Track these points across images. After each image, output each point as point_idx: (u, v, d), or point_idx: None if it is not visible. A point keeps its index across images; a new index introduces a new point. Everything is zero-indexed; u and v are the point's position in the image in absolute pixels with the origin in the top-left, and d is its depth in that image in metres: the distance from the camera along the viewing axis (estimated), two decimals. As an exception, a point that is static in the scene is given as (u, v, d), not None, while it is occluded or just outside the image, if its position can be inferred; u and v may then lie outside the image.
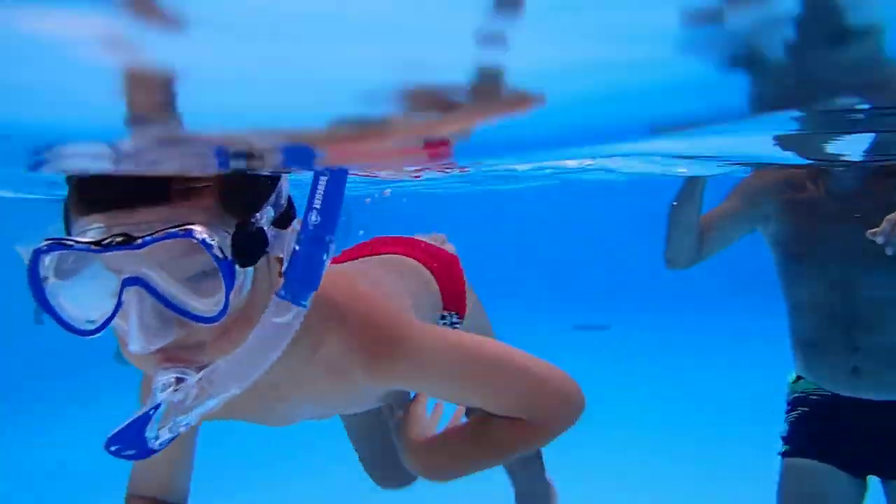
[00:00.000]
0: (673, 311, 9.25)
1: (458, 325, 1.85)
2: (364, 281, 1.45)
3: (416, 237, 2.10)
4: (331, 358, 1.28)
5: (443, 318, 1.80)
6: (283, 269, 1.14)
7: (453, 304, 1.86)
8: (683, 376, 6.57)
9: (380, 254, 1.85)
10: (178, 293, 1.04)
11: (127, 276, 1.01)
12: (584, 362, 6.32)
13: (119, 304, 1.02)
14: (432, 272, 1.84)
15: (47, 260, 1.05)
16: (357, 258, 1.84)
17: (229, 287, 1.02)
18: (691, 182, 2.55)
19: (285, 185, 1.22)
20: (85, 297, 1.08)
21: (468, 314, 1.89)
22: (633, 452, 4.82)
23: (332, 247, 1.15)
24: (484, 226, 11.28)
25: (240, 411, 1.39)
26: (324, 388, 1.33)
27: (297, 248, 1.13)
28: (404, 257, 1.85)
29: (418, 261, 1.85)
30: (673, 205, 2.57)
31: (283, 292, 1.12)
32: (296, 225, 1.16)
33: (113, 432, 1.06)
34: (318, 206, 1.15)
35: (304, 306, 1.13)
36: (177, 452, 1.54)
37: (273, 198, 1.15)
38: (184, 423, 1.08)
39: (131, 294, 1.01)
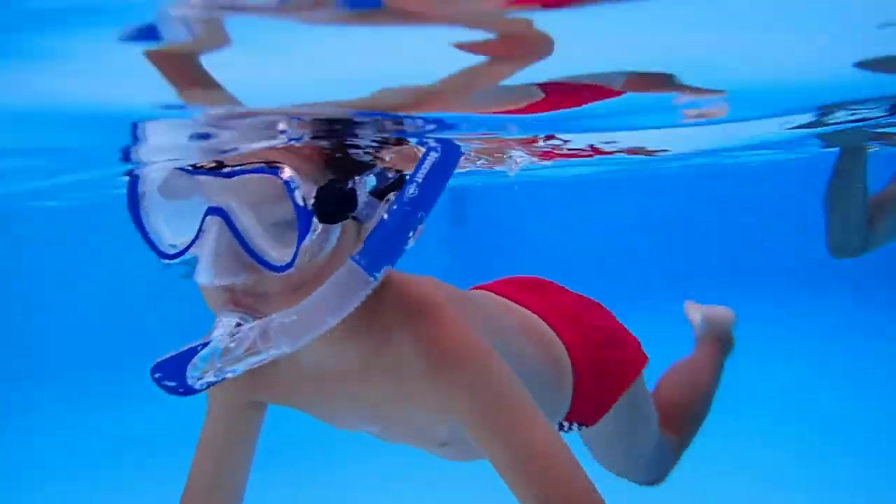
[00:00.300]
0: (811, 303, 8.32)
1: (576, 430, 1.65)
2: (469, 309, 1.36)
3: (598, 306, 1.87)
4: (398, 359, 1.23)
5: (560, 426, 1.62)
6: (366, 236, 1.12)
7: (584, 412, 1.63)
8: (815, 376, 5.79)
9: (526, 307, 1.65)
10: (254, 234, 1.06)
11: (212, 204, 1.05)
12: (744, 358, 5.90)
13: (200, 232, 1.05)
14: (575, 369, 1.61)
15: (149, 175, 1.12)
16: (496, 293, 1.67)
17: (302, 236, 1.03)
18: (849, 153, 2.23)
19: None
20: (175, 221, 1.12)
21: (609, 417, 1.65)
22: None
23: (421, 226, 1.12)
24: (630, 206, 10.85)
25: (303, 397, 1.36)
26: (385, 390, 1.27)
27: (385, 216, 1.11)
28: (548, 330, 1.62)
29: (566, 345, 1.61)
30: (831, 183, 2.26)
31: (357, 257, 1.10)
32: (392, 196, 1.14)
33: (159, 359, 1.07)
34: (418, 180, 1.13)
35: (375, 278, 1.10)
36: (230, 475, 1.45)
37: (379, 167, 1.16)
38: (229, 370, 1.07)
39: (211, 224, 1.04)
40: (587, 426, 1.65)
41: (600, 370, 1.65)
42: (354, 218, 1.11)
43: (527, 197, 10.16)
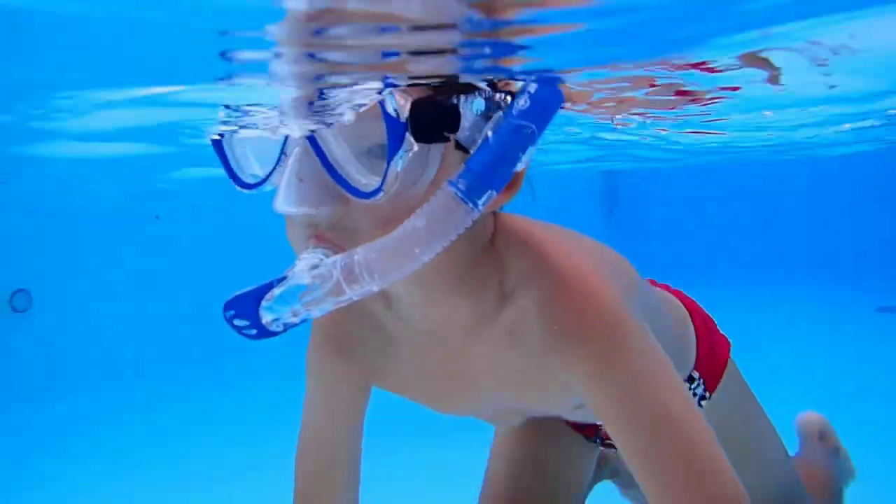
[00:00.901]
0: None
1: (703, 402, 1.46)
2: (595, 257, 1.15)
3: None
4: (519, 317, 1.07)
5: (690, 380, 1.42)
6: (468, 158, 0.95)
7: (706, 370, 1.46)
8: None
9: None
10: (341, 157, 0.95)
11: None
12: (888, 349, 5.54)
13: (281, 155, 0.97)
14: (694, 323, 1.48)
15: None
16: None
17: (392, 151, 0.90)
18: None
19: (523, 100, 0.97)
20: (259, 150, 1.04)
21: (721, 393, 1.48)
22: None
23: (533, 148, 0.94)
24: (778, 193, 10.23)
25: (410, 372, 1.22)
26: (502, 354, 1.11)
27: (489, 134, 0.94)
28: (665, 292, 1.51)
29: (686, 307, 1.51)
30: None
31: (455, 180, 0.93)
32: (500, 114, 0.96)
33: (232, 296, 0.96)
34: (530, 91, 0.95)
35: (476, 207, 0.93)
36: (341, 460, 1.34)
37: (489, 91, 0.98)
38: (310, 311, 0.94)
39: (293, 145, 0.95)
40: (710, 390, 1.47)
41: (708, 330, 1.51)
42: (458, 145, 0.95)
43: (680, 183, 9.71)
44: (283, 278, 0.94)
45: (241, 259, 6.17)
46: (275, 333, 0.96)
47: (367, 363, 1.23)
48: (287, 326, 0.95)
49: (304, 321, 0.95)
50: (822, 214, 9.98)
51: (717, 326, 1.57)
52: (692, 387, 1.43)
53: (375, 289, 0.92)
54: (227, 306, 0.96)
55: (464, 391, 1.20)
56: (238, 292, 0.96)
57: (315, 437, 1.33)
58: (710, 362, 1.47)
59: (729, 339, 1.57)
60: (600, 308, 1.02)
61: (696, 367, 1.44)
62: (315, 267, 0.93)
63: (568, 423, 1.58)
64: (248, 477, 3.60)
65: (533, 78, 1.03)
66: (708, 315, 1.56)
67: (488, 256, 1.07)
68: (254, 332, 0.95)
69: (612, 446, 1.56)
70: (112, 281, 6.09)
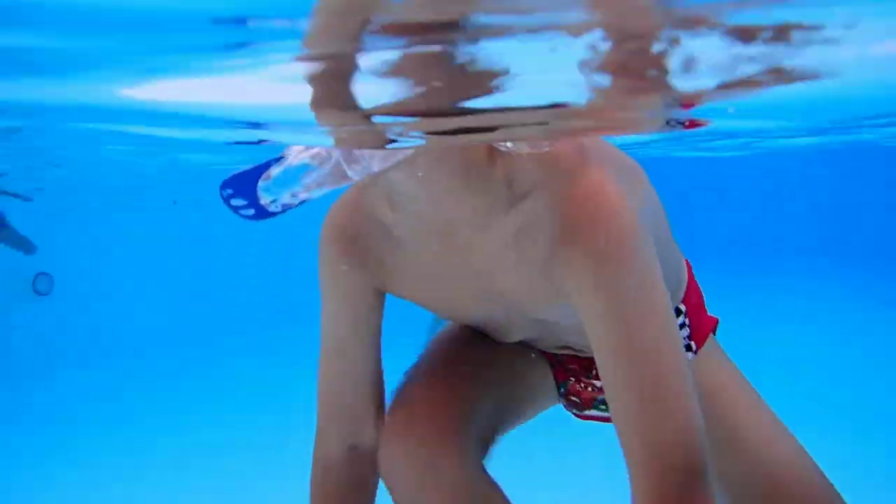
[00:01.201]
0: None
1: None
2: (610, 161, 1.12)
3: None
4: (529, 218, 1.05)
5: (677, 312, 1.36)
6: None
7: (692, 313, 1.39)
8: None
9: None
10: None
11: None
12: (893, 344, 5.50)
13: None
14: (689, 268, 1.44)
15: None
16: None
17: None
18: None
19: None
20: None
21: (705, 358, 1.40)
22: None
23: None
24: (791, 182, 10.15)
25: (423, 283, 1.19)
26: (511, 254, 1.08)
27: None
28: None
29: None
30: None
31: None
32: None
33: (231, 174, 0.94)
34: None
35: None
36: (364, 373, 1.30)
37: None
38: (311, 193, 0.93)
39: None
40: (696, 341, 1.40)
41: (697, 288, 1.45)
42: None
43: (686, 171, 9.73)
44: (281, 158, 0.92)
45: (261, 243, 6.27)
46: (273, 214, 0.94)
47: (378, 267, 1.20)
48: (286, 208, 0.94)
49: (302, 203, 0.94)
50: (832, 203, 9.94)
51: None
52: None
53: (375, 168, 0.90)
54: (225, 185, 0.93)
55: (471, 291, 1.18)
56: (236, 171, 0.94)
57: (330, 352, 1.30)
58: (697, 308, 1.42)
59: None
60: (612, 217, 1.00)
61: (683, 301, 1.39)
62: (314, 153, 0.92)
63: (547, 359, 1.50)
64: (256, 450, 3.71)
65: None
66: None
67: (494, 150, 1.04)
68: (251, 212, 0.94)
69: (575, 406, 1.50)
70: (132, 265, 6.17)
